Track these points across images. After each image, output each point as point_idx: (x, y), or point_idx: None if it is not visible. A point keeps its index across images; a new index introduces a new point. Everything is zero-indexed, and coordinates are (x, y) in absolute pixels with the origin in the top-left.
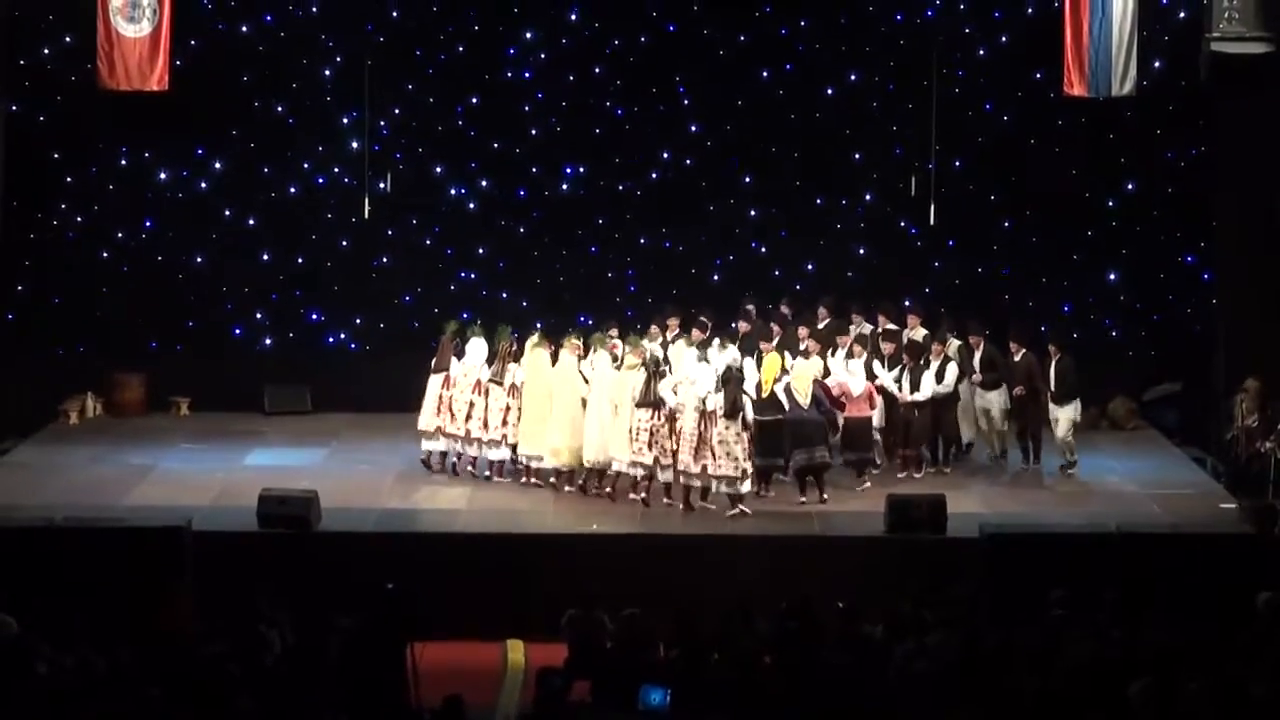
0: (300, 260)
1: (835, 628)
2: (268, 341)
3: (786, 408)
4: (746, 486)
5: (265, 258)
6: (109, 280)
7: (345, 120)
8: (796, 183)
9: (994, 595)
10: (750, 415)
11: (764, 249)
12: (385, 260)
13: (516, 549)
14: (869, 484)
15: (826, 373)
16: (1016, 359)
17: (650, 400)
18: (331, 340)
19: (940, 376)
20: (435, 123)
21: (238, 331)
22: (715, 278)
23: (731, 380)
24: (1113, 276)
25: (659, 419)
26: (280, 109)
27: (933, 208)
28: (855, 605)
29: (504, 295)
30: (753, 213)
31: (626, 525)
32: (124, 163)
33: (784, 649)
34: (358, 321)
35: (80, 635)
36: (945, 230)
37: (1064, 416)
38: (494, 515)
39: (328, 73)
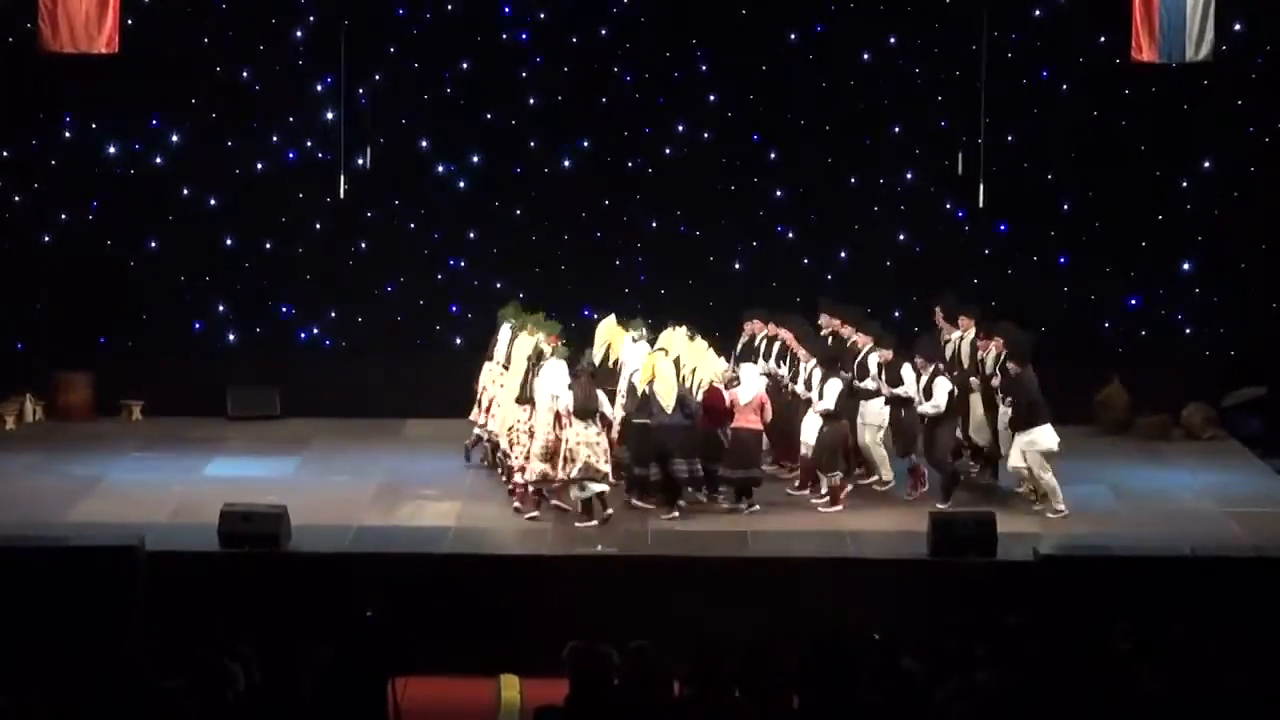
0: (268, 246)
1: (871, 663)
2: (231, 337)
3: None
4: (599, 487)
5: (228, 243)
6: (51, 268)
7: (319, 88)
8: (828, 159)
9: (1051, 627)
10: (610, 413)
11: (791, 234)
12: (364, 246)
13: (512, 573)
14: (756, 506)
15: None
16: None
17: (526, 397)
18: (303, 336)
19: (929, 393)
20: (420, 91)
21: (197, 326)
22: (736, 266)
23: (581, 375)
24: (1187, 266)
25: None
26: (245, 75)
27: (982, 188)
28: (893, 637)
29: (498, 285)
30: (779, 193)
31: (636, 547)
32: (68, 135)
33: (813, 686)
34: (333, 315)
35: (17, 670)
36: (996, 213)
37: (1016, 445)
38: (486, 534)
39: (299, 34)
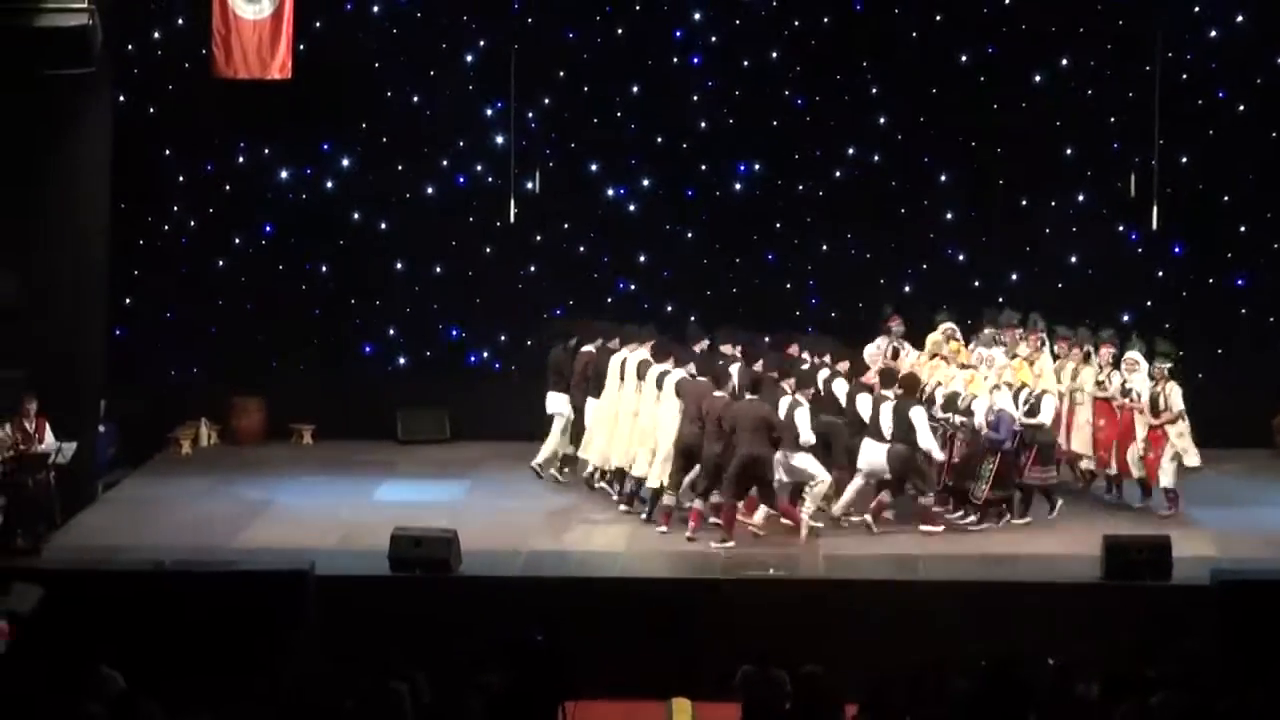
0: (438, 270)
1: (1045, 688)
2: (401, 361)
3: None
4: None
5: (399, 267)
6: (225, 292)
7: (489, 112)
8: (1000, 181)
9: (1228, 651)
10: None
11: (962, 256)
12: (533, 269)
13: (683, 596)
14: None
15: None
16: None
17: None
18: (473, 359)
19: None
20: (590, 114)
21: (368, 350)
22: (906, 289)
23: None
24: None
25: None
26: (415, 100)
27: (1155, 210)
28: (1068, 662)
29: (669, 308)
30: (949, 215)
31: (808, 570)
32: (242, 160)
33: (986, 712)
34: (502, 339)
35: (192, 693)
36: (1170, 235)
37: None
38: (657, 558)
39: (469, 58)
